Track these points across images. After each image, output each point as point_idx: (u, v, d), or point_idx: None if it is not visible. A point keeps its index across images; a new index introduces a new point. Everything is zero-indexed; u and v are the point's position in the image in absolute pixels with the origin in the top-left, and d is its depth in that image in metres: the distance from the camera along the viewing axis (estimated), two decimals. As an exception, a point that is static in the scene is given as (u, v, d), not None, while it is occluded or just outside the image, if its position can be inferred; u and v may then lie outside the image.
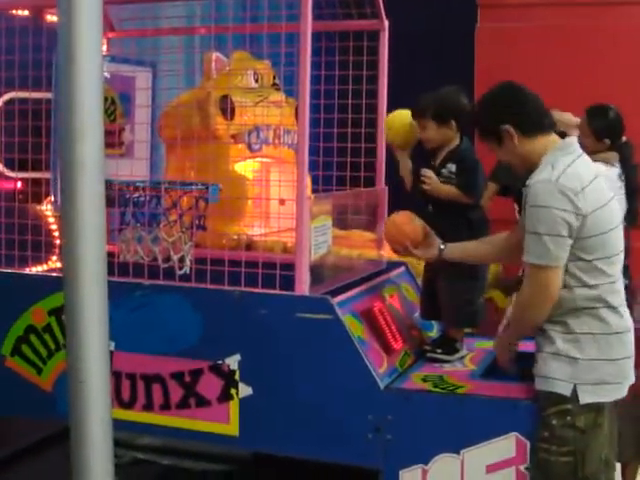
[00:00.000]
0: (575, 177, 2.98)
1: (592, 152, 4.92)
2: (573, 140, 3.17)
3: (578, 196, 2.94)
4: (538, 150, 3.11)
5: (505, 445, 3.14)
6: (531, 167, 3.10)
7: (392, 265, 4.29)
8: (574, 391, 3.02)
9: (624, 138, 5.17)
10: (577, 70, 6.73)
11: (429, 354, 3.80)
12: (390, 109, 4.15)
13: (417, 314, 4.05)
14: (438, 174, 3.72)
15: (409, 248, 3.59)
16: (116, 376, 3.60)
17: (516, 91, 3.17)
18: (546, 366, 3.09)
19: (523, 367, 3.30)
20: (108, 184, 3.65)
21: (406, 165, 3.91)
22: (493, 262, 3.53)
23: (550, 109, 3.21)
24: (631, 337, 3.11)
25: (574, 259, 3.00)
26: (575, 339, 3.04)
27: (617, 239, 3.07)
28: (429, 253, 3.58)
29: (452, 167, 3.70)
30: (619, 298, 3.10)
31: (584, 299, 3.03)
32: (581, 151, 3.13)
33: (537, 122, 3.13)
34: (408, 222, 3.61)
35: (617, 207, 3.14)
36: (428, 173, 3.72)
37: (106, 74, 4.32)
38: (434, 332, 4.06)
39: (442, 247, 3.55)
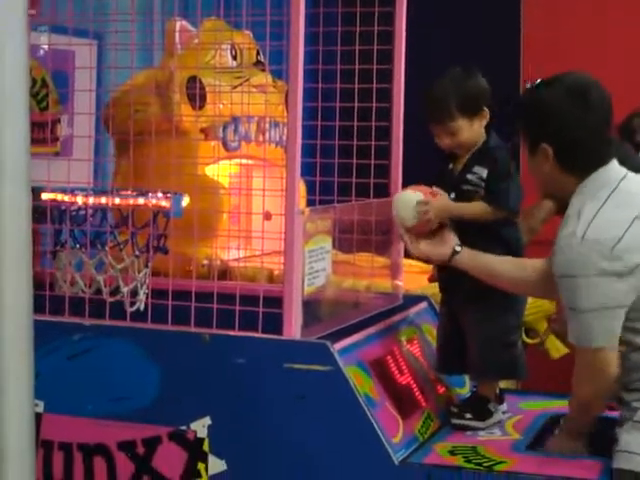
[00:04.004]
0: (607, 224, 2.99)
1: None
2: (608, 167, 3.14)
3: (616, 249, 2.94)
4: (570, 186, 3.14)
5: (562, 541, 3.14)
6: (558, 196, 3.16)
7: (411, 300, 4.27)
8: None
9: None
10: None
11: (454, 420, 3.72)
12: (409, 95, 4.12)
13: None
14: (463, 182, 3.66)
15: (406, 237, 3.63)
16: (45, 447, 3.57)
17: (578, 107, 3.12)
18: (626, 438, 3.07)
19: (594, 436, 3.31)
20: (37, 192, 3.65)
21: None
22: (518, 291, 3.51)
23: None
24: None
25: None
26: None
27: None
28: (437, 252, 3.56)
29: (483, 172, 3.63)
30: None
31: None
32: (617, 181, 3.11)
33: (582, 161, 3.13)
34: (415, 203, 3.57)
35: None
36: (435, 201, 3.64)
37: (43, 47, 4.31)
38: (466, 388, 4.03)
39: (457, 249, 3.52)
